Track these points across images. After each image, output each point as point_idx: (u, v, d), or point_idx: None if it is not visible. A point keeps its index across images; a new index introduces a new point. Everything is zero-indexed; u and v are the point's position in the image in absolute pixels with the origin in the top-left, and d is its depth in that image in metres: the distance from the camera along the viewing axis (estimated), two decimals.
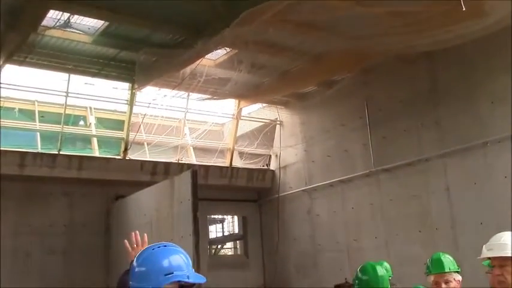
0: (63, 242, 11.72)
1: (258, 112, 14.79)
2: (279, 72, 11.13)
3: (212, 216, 14.85)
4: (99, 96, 12.32)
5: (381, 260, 6.01)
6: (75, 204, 12.01)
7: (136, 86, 11.46)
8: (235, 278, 13.46)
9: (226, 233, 15.56)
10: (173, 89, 11.64)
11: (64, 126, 11.77)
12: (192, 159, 13.59)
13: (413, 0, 7.47)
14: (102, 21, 9.42)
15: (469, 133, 9.55)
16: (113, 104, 13.03)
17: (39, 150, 11.57)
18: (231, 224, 15.46)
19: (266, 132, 14.26)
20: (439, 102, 10.17)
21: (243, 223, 14.77)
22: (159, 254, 2.27)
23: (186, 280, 2.22)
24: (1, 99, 10.84)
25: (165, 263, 2.22)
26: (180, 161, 13.01)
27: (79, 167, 11.60)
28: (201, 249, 9.85)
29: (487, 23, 7.85)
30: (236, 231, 15.05)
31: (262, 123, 14.46)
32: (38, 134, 11.92)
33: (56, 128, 11.91)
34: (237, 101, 13.51)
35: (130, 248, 2.96)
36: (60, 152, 11.57)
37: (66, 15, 9.04)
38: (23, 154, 11.12)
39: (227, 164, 13.84)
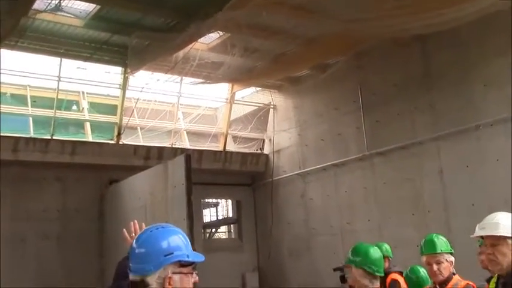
0: (57, 227, 11.71)
1: (251, 96, 14.75)
2: (272, 56, 11.06)
3: (206, 200, 14.88)
4: (91, 80, 12.23)
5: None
6: (68, 189, 11.98)
7: (129, 70, 11.39)
8: (229, 261, 13.57)
9: (220, 217, 15.60)
10: (166, 73, 11.58)
11: (57, 111, 11.69)
12: (186, 143, 13.57)
13: None
14: (94, 5, 9.28)
15: (462, 116, 9.57)
16: (105, 88, 12.97)
17: (32, 135, 11.51)
18: (225, 208, 15.50)
19: (260, 117, 14.24)
20: (433, 86, 10.18)
21: (237, 207, 14.81)
22: (158, 235, 2.27)
23: (186, 259, 2.23)
24: None
25: (164, 244, 2.23)
26: (173, 146, 12.99)
27: (72, 152, 11.56)
28: (196, 233, 9.89)
29: (481, 6, 7.83)
30: (230, 215, 15.10)
31: (255, 107, 14.44)
32: (31, 119, 11.83)
33: (48, 112, 11.82)
34: (230, 85, 13.48)
35: (128, 237, 2.99)
36: (53, 137, 11.52)
37: None
38: (16, 139, 11.07)
39: (221, 148, 13.83)
